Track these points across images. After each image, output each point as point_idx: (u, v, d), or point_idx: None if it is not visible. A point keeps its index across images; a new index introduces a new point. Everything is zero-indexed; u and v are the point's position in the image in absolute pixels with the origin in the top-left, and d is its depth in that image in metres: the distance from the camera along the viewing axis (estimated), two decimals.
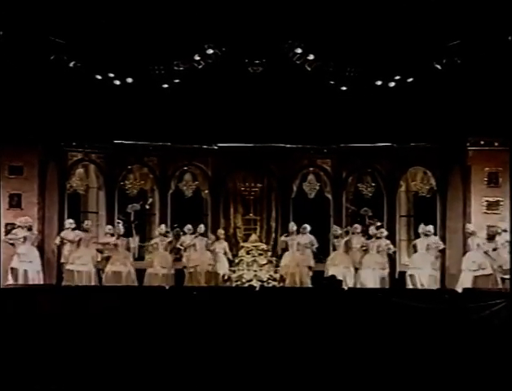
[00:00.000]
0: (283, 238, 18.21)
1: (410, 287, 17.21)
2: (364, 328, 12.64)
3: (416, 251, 17.59)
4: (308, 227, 17.93)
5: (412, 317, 13.73)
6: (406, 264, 18.18)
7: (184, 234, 17.98)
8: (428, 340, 12.52)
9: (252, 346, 11.90)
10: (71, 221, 17.64)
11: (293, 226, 18.03)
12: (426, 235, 17.46)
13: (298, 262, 17.76)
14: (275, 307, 13.78)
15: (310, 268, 17.74)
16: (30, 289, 15.39)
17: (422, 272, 17.23)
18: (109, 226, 17.90)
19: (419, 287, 17.05)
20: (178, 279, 17.70)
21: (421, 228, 17.57)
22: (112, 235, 17.59)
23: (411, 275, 17.36)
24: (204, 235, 18.00)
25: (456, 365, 11.24)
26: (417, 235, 17.77)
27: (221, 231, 18.51)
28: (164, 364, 11.07)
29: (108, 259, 17.51)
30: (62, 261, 17.48)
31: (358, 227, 17.99)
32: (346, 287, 16.30)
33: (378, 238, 17.72)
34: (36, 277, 16.76)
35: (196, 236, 17.84)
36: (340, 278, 16.39)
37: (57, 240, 17.49)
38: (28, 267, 16.70)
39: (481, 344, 12.33)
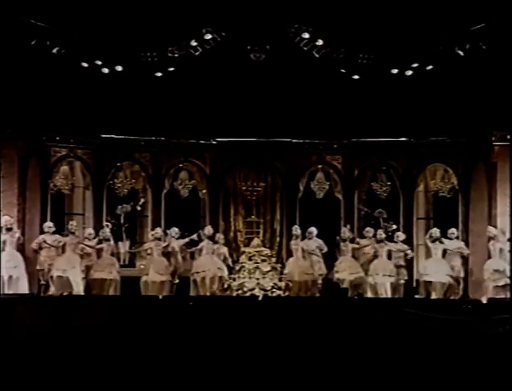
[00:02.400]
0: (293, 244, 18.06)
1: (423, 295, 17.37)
2: (373, 341, 12.54)
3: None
4: (315, 231, 17.79)
5: (429, 330, 13.59)
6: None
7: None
8: (448, 355, 12.38)
9: (254, 362, 11.78)
10: (50, 224, 17.45)
11: (296, 230, 17.90)
12: (449, 239, 17.45)
13: (304, 270, 17.63)
14: (279, 319, 13.64)
15: (320, 275, 17.62)
16: (7, 299, 15.20)
17: (436, 279, 17.26)
18: (89, 230, 17.80)
19: (433, 295, 17.17)
20: (178, 287, 17.68)
21: (434, 232, 17.53)
22: (96, 238, 17.53)
23: (425, 282, 17.45)
24: (211, 238, 17.91)
25: (481, 383, 11.13)
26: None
27: (220, 235, 18.37)
28: (158, 382, 10.99)
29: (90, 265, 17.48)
30: (38, 267, 17.25)
31: (370, 231, 17.89)
32: (356, 297, 16.25)
33: (394, 242, 17.70)
34: (24, 283, 16.69)
35: (203, 240, 17.81)
36: (346, 285, 16.36)
37: (34, 245, 17.29)
38: (14, 273, 16.62)
39: (508, 360, 12.17)
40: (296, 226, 18.07)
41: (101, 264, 17.40)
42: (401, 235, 17.86)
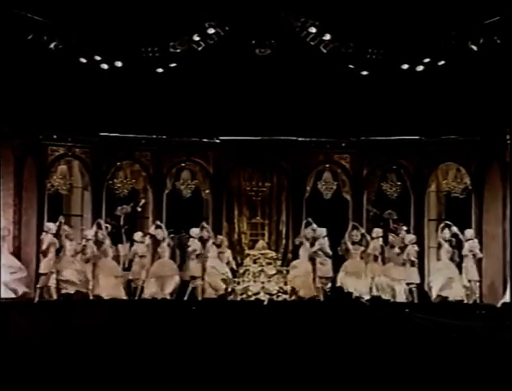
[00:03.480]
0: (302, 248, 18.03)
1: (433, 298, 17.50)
2: (380, 349, 12.47)
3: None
4: (324, 232, 17.78)
5: (440, 336, 13.55)
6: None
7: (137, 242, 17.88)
8: (460, 363, 12.31)
9: (258, 368, 11.73)
10: (53, 225, 17.44)
11: (309, 233, 17.86)
12: (467, 241, 17.46)
13: (309, 273, 17.67)
14: (285, 324, 13.60)
15: (328, 278, 17.65)
16: (3, 304, 15.24)
17: (441, 283, 17.39)
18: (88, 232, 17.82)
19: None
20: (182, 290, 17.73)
21: (447, 233, 17.59)
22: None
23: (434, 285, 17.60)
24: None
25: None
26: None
27: (223, 238, 18.35)
28: (159, 386, 10.94)
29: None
30: (41, 271, 17.13)
31: (378, 232, 17.90)
32: (365, 301, 16.28)
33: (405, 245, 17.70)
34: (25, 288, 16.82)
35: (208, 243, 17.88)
36: (351, 289, 16.37)
37: (44, 246, 17.06)
38: (12, 277, 16.74)
39: None
40: (308, 230, 17.97)
41: (102, 267, 17.43)
42: (411, 237, 17.83)
